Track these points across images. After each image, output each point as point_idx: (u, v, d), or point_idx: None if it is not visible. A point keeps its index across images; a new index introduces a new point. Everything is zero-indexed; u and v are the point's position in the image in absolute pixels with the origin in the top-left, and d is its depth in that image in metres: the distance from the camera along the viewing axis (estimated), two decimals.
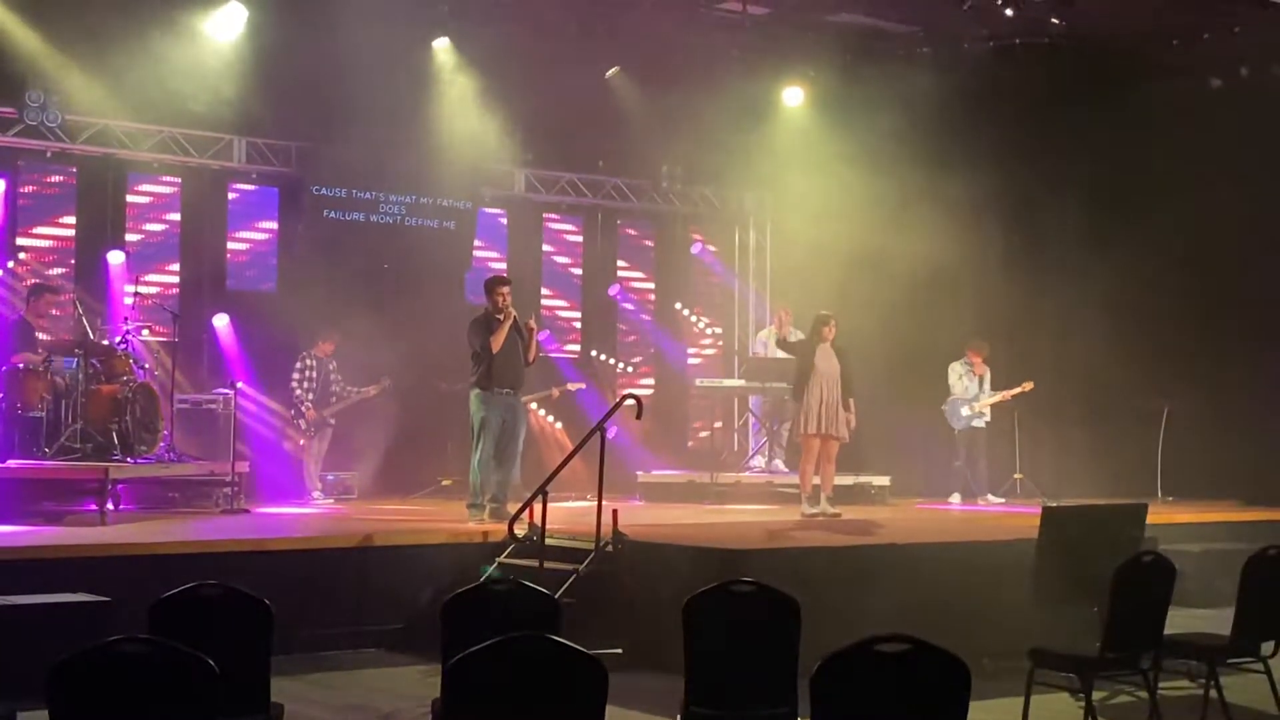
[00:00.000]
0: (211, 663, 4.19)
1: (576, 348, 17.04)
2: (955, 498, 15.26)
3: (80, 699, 4.10)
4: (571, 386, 15.56)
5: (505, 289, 11.69)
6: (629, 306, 17.41)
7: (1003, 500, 15.08)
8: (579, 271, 17.24)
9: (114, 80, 13.32)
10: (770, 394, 15.60)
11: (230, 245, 14.92)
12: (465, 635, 4.64)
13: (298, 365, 13.88)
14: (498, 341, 11.44)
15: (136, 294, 13.16)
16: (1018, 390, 15.33)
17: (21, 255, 13.72)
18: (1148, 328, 15.43)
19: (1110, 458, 15.55)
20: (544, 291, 16.83)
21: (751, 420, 17.19)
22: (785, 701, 5.44)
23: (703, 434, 17.41)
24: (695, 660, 5.54)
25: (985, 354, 15.46)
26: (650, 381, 17.31)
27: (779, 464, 15.74)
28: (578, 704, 4.16)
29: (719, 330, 18.18)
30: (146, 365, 12.94)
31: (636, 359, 17.42)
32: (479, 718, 4.12)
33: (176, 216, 14.67)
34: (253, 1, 13.85)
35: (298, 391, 13.85)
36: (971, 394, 15.36)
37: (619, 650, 8.12)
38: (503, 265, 15.90)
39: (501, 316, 11.53)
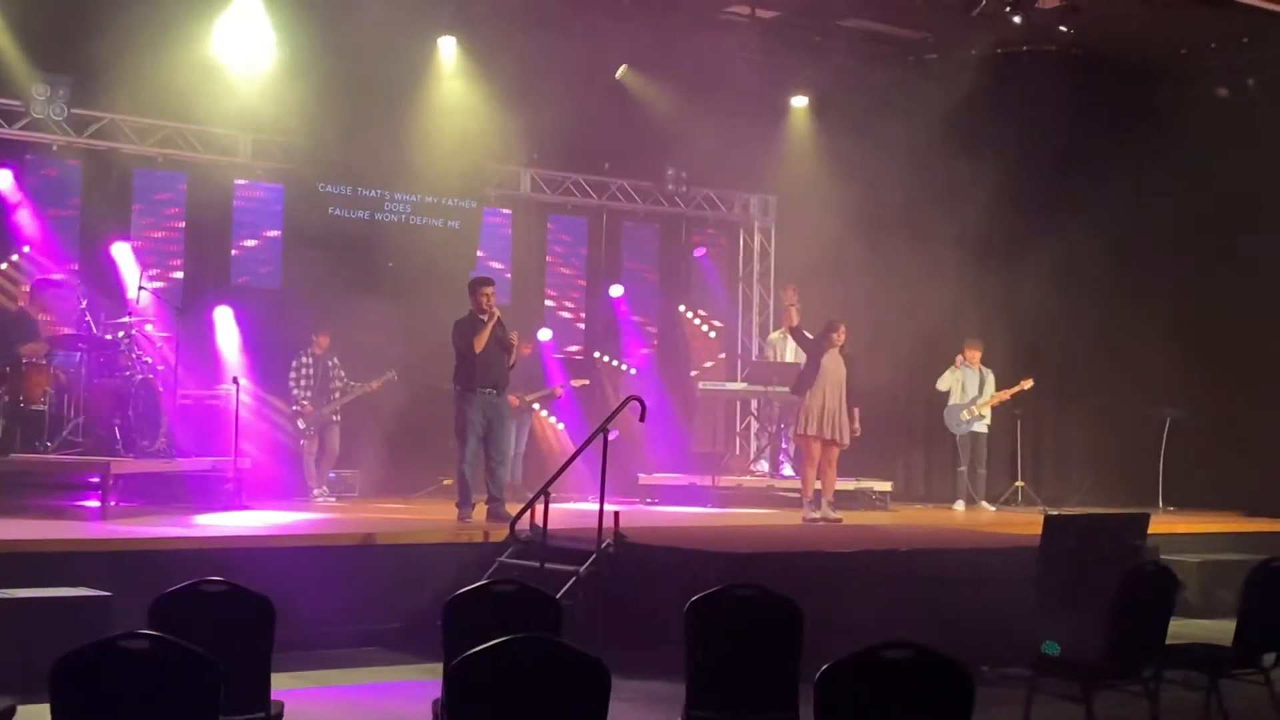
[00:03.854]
0: (214, 660, 4.19)
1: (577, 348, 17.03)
2: (959, 505, 15.20)
3: (83, 694, 4.10)
4: (576, 383, 15.55)
5: (488, 289, 11.72)
6: (632, 308, 17.37)
7: (994, 509, 15.02)
8: (583, 272, 17.24)
9: (121, 75, 13.29)
10: (774, 398, 15.59)
11: (235, 241, 14.92)
12: (467, 636, 4.63)
13: (294, 363, 13.86)
14: (480, 342, 11.46)
15: (140, 288, 13.16)
16: (1016, 389, 15.26)
17: (26, 248, 13.70)
18: (1151, 338, 15.44)
19: (1112, 467, 15.57)
20: (548, 292, 16.84)
21: (754, 423, 17.18)
22: (787, 706, 5.43)
23: (705, 437, 17.39)
24: (697, 664, 5.53)
25: (981, 351, 15.38)
26: (653, 383, 17.26)
27: (785, 469, 15.70)
28: (581, 705, 4.15)
29: (721, 330, 18.14)
30: (149, 360, 12.94)
31: (639, 361, 17.39)
32: (481, 718, 4.12)
33: (182, 212, 14.67)
34: (263, 0, 13.87)
35: (295, 390, 13.85)
36: (970, 396, 15.29)
37: None
38: (501, 267, 15.90)
39: (485, 317, 11.54)
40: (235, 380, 12.90)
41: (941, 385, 15.36)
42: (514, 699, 4.11)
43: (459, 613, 5.57)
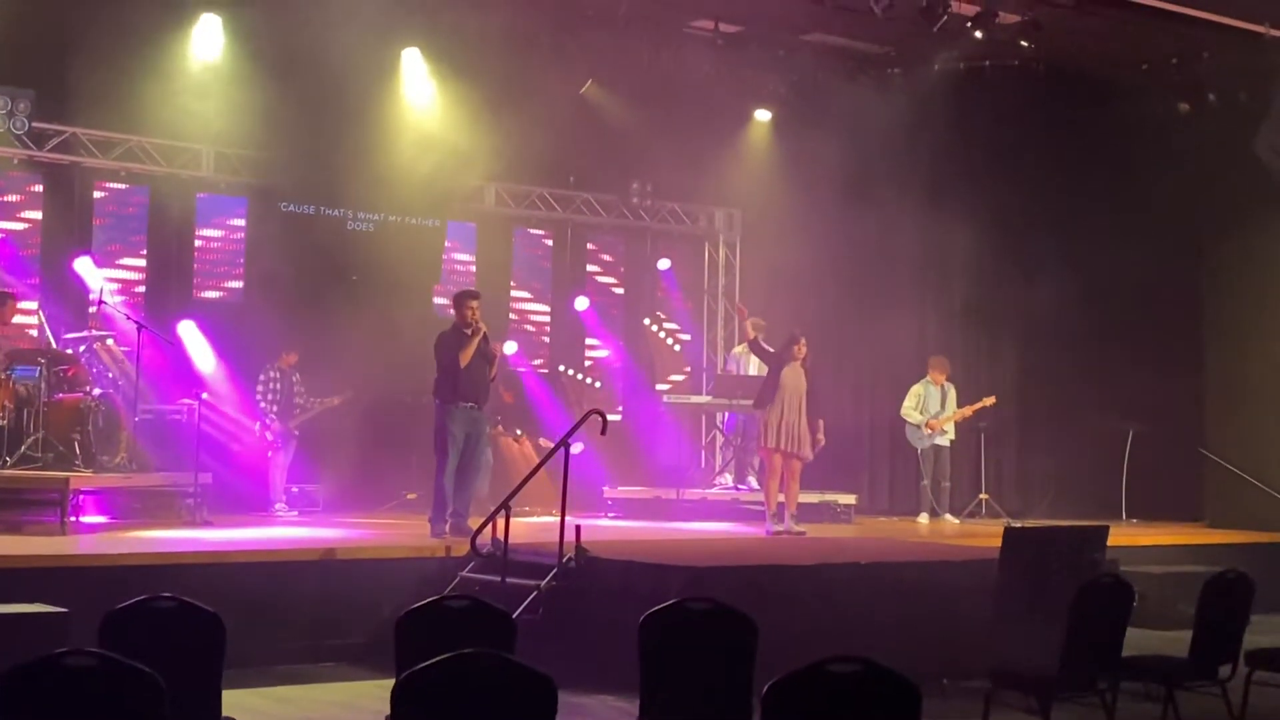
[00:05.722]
0: (158, 676, 4.16)
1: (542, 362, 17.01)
2: (923, 517, 15.24)
3: (25, 712, 4.06)
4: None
5: (474, 303, 11.65)
6: (597, 321, 17.35)
7: (959, 522, 15.05)
8: (549, 285, 17.23)
9: (82, 89, 13.23)
10: (740, 411, 15.57)
11: (197, 255, 14.85)
12: (420, 651, 4.61)
13: (261, 378, 13.80)
14: (466, 356, 11.40)
15: (102, 302, 13.08)
16: (979, 405, 15.32)
17: None
18: (1114, 350, 15.53)
19: (1076, 479, 15.64)
20: (513, 305, 16.81)
21: (719, 437, 17.18)
22: None
23: (669, 451, 17.37)
24: (650, 678, 5.53)
25: (947, 370, 15.43)
26: (617, 397, 17.27)
27: (752, 481, 15.68)
28: None
29: (687, 343, 18.14)
30: (110, 374, 12.85)
31: (604, 374, 17.37)
32: None
33: (143, 226, 14.59)
34: (225, 14, 13.82)
35: (261, 404, 13.78)
36: (933, 411, 15.33)
37: None
38: (466, 281, 15.85)
39: (470, 331, 11.50)
40: (197, 395, 12.82)
41: (905, 410, 15.37)
42: (459, 714, 4.09)
43: (412, 628, 5.56)
